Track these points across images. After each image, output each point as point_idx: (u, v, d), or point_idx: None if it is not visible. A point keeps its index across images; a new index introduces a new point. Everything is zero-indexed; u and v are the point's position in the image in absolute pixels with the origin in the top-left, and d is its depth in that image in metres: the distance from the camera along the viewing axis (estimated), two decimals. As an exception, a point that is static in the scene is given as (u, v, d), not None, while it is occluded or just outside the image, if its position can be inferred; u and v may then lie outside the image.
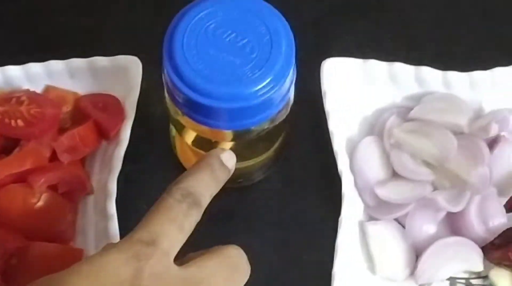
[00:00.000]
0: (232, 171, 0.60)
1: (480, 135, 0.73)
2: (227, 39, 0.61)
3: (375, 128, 0.77)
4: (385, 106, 0.78)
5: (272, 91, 0.61)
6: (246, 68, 0.60)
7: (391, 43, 0.83)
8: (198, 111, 0.62)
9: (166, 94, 0.64)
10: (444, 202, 0.70)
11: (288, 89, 0.63)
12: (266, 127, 0.66)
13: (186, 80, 0.60)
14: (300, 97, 0.71)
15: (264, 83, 0.60)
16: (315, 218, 0.75)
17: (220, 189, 0.71)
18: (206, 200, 0.56)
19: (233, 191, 0.75)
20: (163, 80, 0.63)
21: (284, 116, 0.68)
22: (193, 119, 0.63)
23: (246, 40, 0.61)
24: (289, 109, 0.68)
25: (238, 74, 0.60)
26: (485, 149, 0.72)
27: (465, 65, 0.77)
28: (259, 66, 0.60)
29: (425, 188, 0.72)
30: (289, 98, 0.66)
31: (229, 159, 0.60)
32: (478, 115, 0.77)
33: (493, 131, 0.72)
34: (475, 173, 0.70)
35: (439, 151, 0.71)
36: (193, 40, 0.60)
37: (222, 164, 0.59)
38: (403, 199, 0.72)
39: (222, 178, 0.59)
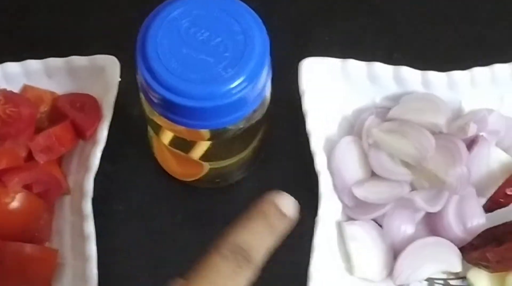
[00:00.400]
0: (293, 219, 0.54)
1: (459, 135, 0.72)
2: (201, 38, 0.61)
3: (354, 128, 0.76)
4: (364, 106, 0.78)
5: (246, 90, 0.61)
6: (219, 66, 0.60)
7: (372, 44, 0.82)
8: (173, 111, 0.62)
9: (141, 95, 0.63)
10: (422, 203, 0.70)
11: (263, 87, 0.63)
12: (242, 126, 0.66)
13: (160, 79, 0.60)
14: (280, 96, 0.71)
15: (237, 82, 0.60)
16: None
17: (198, 189, 0.71)
18: (260, 255, 0.49)
19: (211, 191, 0.75)
20: (138, 80, 0.62)
21: (260, 116, 0.68)
22: (168, 119, 0.63)
23: (219, 39, 0.61)
24: (265, 108, 0.68)
25: (211, 73, 0.60)
26: (463, 149, 0.71)
27: (445, 65, 0.76)
28: (232, 65, 0.60)
29: (403, 188, 0.71)
30: (265, 97, 0.65)
31: (287, 204, 0.53)
32: (457, 115, 0.77)
33: (472, 131, 0.71)
34: (453, 173, 0.70)
35: (417, 151, 0.71)
36: (166, 39, 0.60)
37: (278, 210, 0.53)
38: (381, 199, 0.71)
39: (280, 227, 0.52)
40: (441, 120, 0.73)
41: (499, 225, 0.73)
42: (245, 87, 0.61)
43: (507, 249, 0.68)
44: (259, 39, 0.61)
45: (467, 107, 0.78)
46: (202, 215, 0.76)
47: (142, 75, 0.59)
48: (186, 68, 0.60)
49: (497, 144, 0.77)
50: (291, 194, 0.70)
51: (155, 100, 0.61)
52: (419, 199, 0.70)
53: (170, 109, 0.62)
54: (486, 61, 0.77)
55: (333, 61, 0.76)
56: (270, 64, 0.64)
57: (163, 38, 0.60)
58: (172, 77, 0.60)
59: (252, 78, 0.61)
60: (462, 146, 0.72)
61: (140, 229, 0.76)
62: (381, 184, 0.73)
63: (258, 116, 0.69)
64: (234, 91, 0.60)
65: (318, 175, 0.72)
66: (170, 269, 0.69)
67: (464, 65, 0.78)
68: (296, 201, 0.55)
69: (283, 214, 0.52)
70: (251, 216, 0.51)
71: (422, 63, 0.78)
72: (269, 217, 0.51)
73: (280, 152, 0.80)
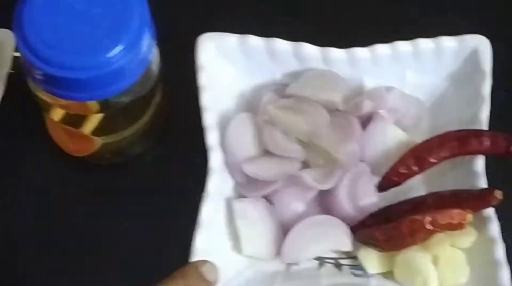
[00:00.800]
0: (215, 284, 0.61)
1: (354, 113, 0.71)
2: (78, 8, 0.61)
3: (252, 104, 0.74)
4: (264, 83, 0.76)
5: (125, 59, 0.61)
6: (97, 36, 0.60)
7: (273, 19, 0.80)
8: (54, 84, 0.62)
9: (25, 71, 0.63)
10: (310, 180, 0.68)
11: (144, 58, 0.64)
12: (129, 98, 0.66)
13: (37, 53, 0.60)
14: (180, 72, 0.73)
15: (115, 51, 0.60)
16: (189, 195, 0.73)
17: (93, 166, 0.70)
18: None
19: (106, 167, 0.74)
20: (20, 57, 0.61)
21: (147, 89, 0.68)
22: (51, 93, 0.63)
23: (97, 9, 0.61)
24: (153, 81, 0.69)
25: (89, 43, 0.60)
26: (356, 126, 0.70)
27: (347, 41, 0.75)
28: (110, 34, 0.60)
29: (293, 165, 0.70)
30: (150, 70, 0.66)
31: (210, 270, 0.61)
32: (358, 92, 0.75)
33: (366, 108, 0.70)
34: (344, 150, 0.68)
35: (309, 127, 0.70)
36: (43, 11, 0.60)
37: (200, 275, 0.60)
38: (271, 176, 0.70)
39: None
40: (337, 97, 0.72)
41: (392, 205, 0.72)
42: (123, 57, 0.60)
43: (394, 227, 0.67)
44: (138, 8, 0.61)
45: (369, 85, 0.76)
46: (97, 192, 0.75)
47: (20, 50, 0.58)
48: (63, 39, 0.60)
49: (397, 122, 0.75)
50: (189, 172, 0.69)
51: (36, 75, 0.61)
52: (307, 176, 0.69)
53: (52, 83, 0.62)
54: (387, 39, 0.74)
55: (231, 37, 0.75)
56: (153, 36, 0.65)
57: (39, 10, 0.60)
58: (49, 49, 0.59)
59: (131, 47, 0.61)
60: (356, 123, 0.71)
61: (32, 205, 0.74)
62: (272, 161, 0.71)
63: (145, 89, 0.68)
64: (112, 60, 0.60)
65: (208, 150, 0.70)
66: (63, 246, 0.69)
67: (368, 42, 0.76)
68: (216, 268, 0.62)
69: (204, 280, 0.60)
70: (174, 277, 0.58)
71: (328, 39, 0.77)
72: (189, 280, 0.58)
73: (178, 128, 0.79)
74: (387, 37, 0.76)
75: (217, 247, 0.70)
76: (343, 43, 0.76)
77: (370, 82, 0.77)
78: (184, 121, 0.76)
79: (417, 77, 0.77)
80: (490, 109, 0.72)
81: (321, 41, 0.76)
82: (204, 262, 0.62)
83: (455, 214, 0.65)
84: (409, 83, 0.77)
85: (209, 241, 0.68)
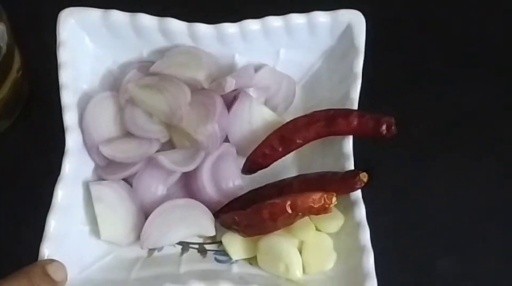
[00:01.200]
0: (62, 284, 0.59)
1: (218, 91, 0.67)
2: None
3: (117, 83, 0.70)
4: (131, 60, 0.72)
5: None
6: None
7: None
8: None
9: None
10: (167, 162, 0.65)
11: None
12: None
13: None
14: (40, 49, 0.71)
15: None
16: (48, 178, 0.68)
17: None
18: None
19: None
20: None
21: None
22: None
23: None
24: (0, 55, 0.66)
25: None
26: (219, 105, 0.67)
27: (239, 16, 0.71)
28: None
29: (151, 146, 0.67)
30: None
31: (56, 270, 0.59)
32: (229, 71, 0.71)
33: (229, 86, 0.66)
34: (203, 131, 0.65)
35: (169, 107, 0.66)
36: None
37: (46, 274, 0.58)
38: (129, 158, 0.67)
39: None
40: (201, 76, 0.68)
41: (259, 188, 0.69)
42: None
43: (254, 212, 0.64)
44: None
45: (241, 63, 0.72)
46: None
47: None
48: None
49: (267, 102, 0.72)
50: (50, 150, 0.65)
51: None
52: (164, 158, 0.65)
53: None
54: (260, 13, 0.71)
55: (94, 12, 0.71)
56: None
57: None
58: None
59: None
60: (218, 102, 0.67)
61: None
62: (131, 142, 0.68)
63: None
64: None
65: (66, 131, 0.66)
66: None
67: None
68: (64, 267, 0.60)
69: (51, 279, 0.57)
70: (17, 276, 0.56)
71: (204, 16, 0.73)
72: (34, 279, 0.56)
73: (40, 106, 0.77)
74: (281, 10, 0.72)
75: (73, 232, 0.67)
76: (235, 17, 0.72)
77: (242, 60, 0.72)
78: (46, 100, 0.71)
79: (290, 54, 0.74)
80: (361, 88, 0.68)
81: (210, 17, 0.72)
82: (51, 261, 0.60)
83: (317, 197, 0.62)
84: (283, 61, 0.74)
85: (64, 225, 0.65)
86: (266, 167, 0.69)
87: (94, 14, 0.70)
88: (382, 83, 0.75)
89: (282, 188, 0.66)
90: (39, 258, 0.62)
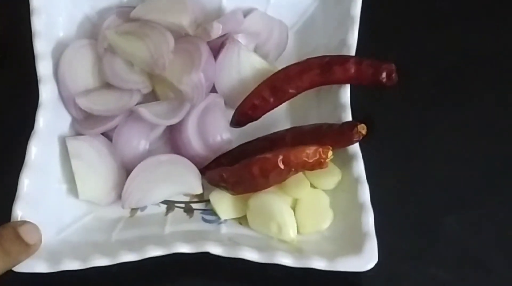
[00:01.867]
0: (36, 247, 0.56)
1: (204, 38, 0.61)
2: None
3: (94, 30, 0.64)
4: (110, 5, 0.67)
5: None
6: None
7: None
8: None
9: None
10: (148, 114, 0.60)
11: None
12: None
13: None
14: None
15: None
16: (22, 133, 0.64)
17: None
18: None
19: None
20: None
21: None
22: None
23: None
24: None
25: None
26: (204, 53, 0.62)
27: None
28: None
29: (132, 98, 0.62)
30: None
31: (29, 232, 0.56)
32: (216, 16, 0.65)
33: (215, 32, 0.61)
34: (187, 81, 0.59)
35: (151, 55, 0.60)
36: None
37: (17, 237, 0.55)
38: (108, 111, 0.62)
39: (16, 254, 0.54)
40: (185, 21, 0.63)
41: (249, 142, 0.63)
42: None
43: (244, 167, 0.59)
44: None
45: (229, 7, 0.66)
46: None
47: None
48: None
49: (257, 48, 0.67)
50: (24, 102, 0.59)
51: None
52: (145, 110, 0.60)
53: None
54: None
55: (70, -49, 0.64)
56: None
57: None
58: None
59: None
60: (204, 49, 0.62)
61: None
62: (110, 94, 0.63)
63: None
64: None
65: (39, 82, 0.60)
66: None
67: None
68: (38, 229, 0.56)
69: (23, 242, 0.54)
70: None
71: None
72: (4, 243, 0.53)
73: (14, 56, 0.72)
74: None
75: (49, 192, 0.62)
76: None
77: (230, 4, 0.67)
78: (20, 49, 0.66)
79: (282, -2, 0.67)
80: (360, 32, 0.62)
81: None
82: (23, 222, 0.56)
83: (311, 151, 0.57)
84: (274, 5, 0.69)
85: (39, 184, 0.61)
86: (256, 119, 0.64)
87: (70, -47, 0.63)
88: (381, 27, 0.70)
89: (274, 141, 0.62)
90: (12, 220, 0.58)
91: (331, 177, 0.61)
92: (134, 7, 0.65)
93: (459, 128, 0.67)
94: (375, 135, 0.60)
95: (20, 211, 0.58)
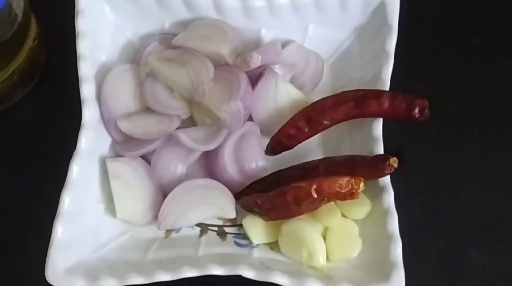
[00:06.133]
0: None
1: (243, 67, 0.63)
2: None
3: (137, 55, 0.67)
4: (152, 32, 0.68)
5: None
6: None
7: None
8: None
9: None
10: (187, 139, 0.62)
11: None
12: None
13: None
14: (57, 18, 0.69)
15: None
16: (63, 152, 0.66)
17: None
18: None
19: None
20: None
21: (8, 30, 0.63)
22: None
23: None
24: (14, 24, 0.64)
25: None
26: (243, 82, 0.63)
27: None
28: None
29: (171, 123, 0.64)
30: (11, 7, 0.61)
31: None
32: (255, 46, 0.67)
33: (255, 62, 0.63)
34: (226, 108, 0.61)
35: (191, 82, 0.62)
36: None
37: None
38: (148, 134, 0.64)
39: None
40: (225, 50, 0.65)
41: (283, 170, 0.65)
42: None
43: (278, 195, 0.61)
44: None
45: (267, 38, 0.69)
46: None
47: None
48: None
49: (293, 79, 0.69)
50: (65, 123, 0.62)
51: None
52: (184, 136, 0.62)
53: None
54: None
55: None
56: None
57: None
58: None
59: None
60: (243, 78, 0.64)
61: None
62: (150, 118, 0.65)
63: (8, 30, 0.64)
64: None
65: (82, 104, 0.63)
66: None
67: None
68: None
69: None
70: None
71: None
72: None
73: (57, 77, 0.74)
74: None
75: (88, 210, 0.64)
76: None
77: (268, 35, 0.68)
78: (63, 70, 0.68)
79: (320, 31, 0.71)
80: (393, 67, 0.64)
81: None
82: None
83: (344, 182, 0.59)
84: (311, 37, 0.70)
85: (79, 202, 0.62)
86: (291, 148, 0.66)
87: (112, -17, 0.66)
88: (415, 61, 0.72)
89: (308, 171, 0.63)
90: (52, 236, 0.58)
91: (361, 207, 0.63)
92: (175, 35, 0.67)
93: (488, 162, 0.68)
94: (405, 166, 0.61)
95: (60, 228, 0.60)
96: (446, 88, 0.71)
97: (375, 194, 0.62)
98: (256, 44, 0.69)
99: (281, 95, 0.66)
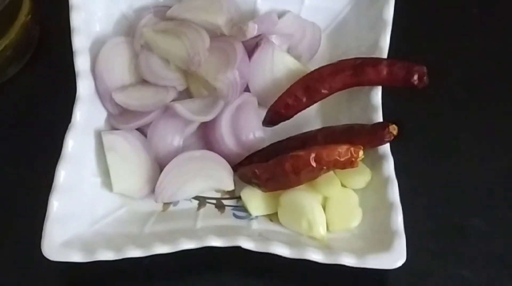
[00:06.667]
0: None
1: (239, 37, 0.62)
2: None
3: (133, 28, 0.66)
4: (147, 4, 0.68)
5: None
6: None
7: None
8: None
9: None
10: (184, 111, 0.61)
11: None
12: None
13: None
14: None
15: None
16: (58, 126, 0.65)
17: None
18: None
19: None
20: None
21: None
22: None
23: None
24: None
25: None
26: (239, 52, 0.63)
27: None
28: None
29: (167, 94, 0.63)
30: None
31: None
32: (251, 16, 0.66)
33: (251, 32, 0.62)
34: (222, 78, 0.60)
35: (187, 53, 0.61)
36: None
37: None
38: (144, 106, 0.63)
39: None
40: (221, 20, 0.64)
41: (281, 141, 0.64)
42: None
43: (276, 164, 0.60)
44: None
45: (263, 9, 0.68)
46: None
47: None
48: None
49: (290, 49, 0.68)
50: (61, 96, 0.61)
51: None
52: (181, 107, 0.61)
53: None
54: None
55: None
56: None
57: None
58: None
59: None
60: (239, 49, 0.63)
61: None
62: (146, 90, 0.64)
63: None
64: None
65: (77, 77, 0.62)
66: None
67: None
68: None
69: None
70: None
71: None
72: None
73: (57, 50, 0.73)
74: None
75: (84, 184, 0.63)
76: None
77: (264, 6, 0.68)
78: (57, 44, 0.67)
79: (316, 1, 0.70)
80: (391, 34, 0.63)
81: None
82: None
83: (343, 150, 0.58)
84: (307, 7, 0.70)
85: (74, 176, 0.62)
86: (289, 118, 0.65)
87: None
88: (413, 29, 0.72)
89: (306, 140, 0.62)
90: (48, 210, 0.57)
91: (361, 176, 0.62)
92: (170, 7, 0.66)
93: (488, 130, 0.68)
94: (405, 135, 0.60)
95: (56, 202, 0.60)
96: (445, 57, 0.70)
97: (375, 162, 0.61)
98: (252, 15, 0.68)
99: (278, 65, 0.65)
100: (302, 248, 0.57)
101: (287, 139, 0.64)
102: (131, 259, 0.58)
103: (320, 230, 0.60)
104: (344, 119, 0.65)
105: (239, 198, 0.64)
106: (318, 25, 0.69)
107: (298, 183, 0.60)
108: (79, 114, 0.62)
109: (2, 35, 0.65)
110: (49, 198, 0.60)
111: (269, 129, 0.65)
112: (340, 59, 0.65)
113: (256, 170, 0.61)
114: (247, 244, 0.57)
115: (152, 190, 0.63)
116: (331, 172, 0.61)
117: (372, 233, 0.60)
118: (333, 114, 0.66)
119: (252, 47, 0.65)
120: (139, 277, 0.61)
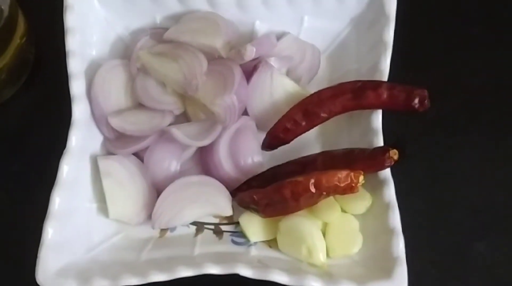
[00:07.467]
0: None
1: (237, 60, 0.61)
2: None
3: (128, 50, 0.65)
4: (143, 27, 0.67)
5: None
6: None
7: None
8: None
9: None
10: (181, 135, 0.60)
11: None
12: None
13: None
14: (46, 14, 0.67)
15: None
16: (53, 151, 0.64)
17: None
18: None
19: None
20: None
21: None
22: None
23: None
24: (2, 18, 0.63)
25: None
26: (237, 75, 0.61)
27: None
28: None
29: (164, 119, 0.61)
30: None
31: None
32: (249, 39, 0.65)
33: (249, 54, 0.61)
34: (220, 102, 0.59)
35: (184, 76, 0.60)
36: None
37: None
38: (140, 131, 0.62)
39: None
40: (218, 43, 0.63)
41: (280, 165, 0.63)
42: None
43: (275, 190, 0.59)
44: None
45: (262, 30, 0.66)
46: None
47: None
48: None
49: (289, 71, 0.67)
50: (56, 120, 0.60)
51: None
52: (177, 131, 0.60)
53: None
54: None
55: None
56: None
57: None
58: None
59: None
60: (237, 72, 0.62)
61: None
62: (142, 114, 0.63)
63: None
64: None
65: (72, 101, 0.60)
66: None
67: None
68: None
69: None
70: None
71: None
72: None
73: (46, 74, 0.73)
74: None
75: (79, 210, 0.62)
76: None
77: (263, 27, 0.67)
78: (53, 67, 0.66)
79: (315, 22, 0.69)
80: (391, 57, 0.62)
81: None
82: None
83: (343, 176, 0.57)
84: (307, 29, 0.69)
85: (70, 202, 0.61)
86: (287, 142, 0.64)
87: (106, -23, 0.64)
88: (414, 53, 0.71)
89: (305, 165, 0.61)
90: (43, 237, 0.56)
91: (361, 201, 0.61)
92: (167, 29, 0.65)
93: (490, 153, 0.66)
94: (405, 159, 0.59)
95: (51, 229, 0.58)
96: (446, 79, 0.69)
97: (376, 187, 0.60)
98: (250, 37, 0.67)
99: (277, 88, 0.64)
100: (301, 276, 0.56)
101: (286, 163, 0.63)
102: (127, 287, 0.55)
103: (320, 256, 0.59)
104: (344, 143, 0.64)
105: (237, 223, 0.62)
106: (317, 47, 0.68)
107: (297, 209, 0.59)
108: (74, 138, 0.61)
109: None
110: (44, 225, 0.59)
111: (267, 153, 0.64)
112: (340, 81, 0.64)
113: (255, 196, 0.60)
114: (246, 272, 0.56)
115: (149, 216, 0.62)
116: (331, 198, 0.60)
117: (373, 259, 0.59)
118: (332, 138, 0.65)
119: (250, 70, 0.64)
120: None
